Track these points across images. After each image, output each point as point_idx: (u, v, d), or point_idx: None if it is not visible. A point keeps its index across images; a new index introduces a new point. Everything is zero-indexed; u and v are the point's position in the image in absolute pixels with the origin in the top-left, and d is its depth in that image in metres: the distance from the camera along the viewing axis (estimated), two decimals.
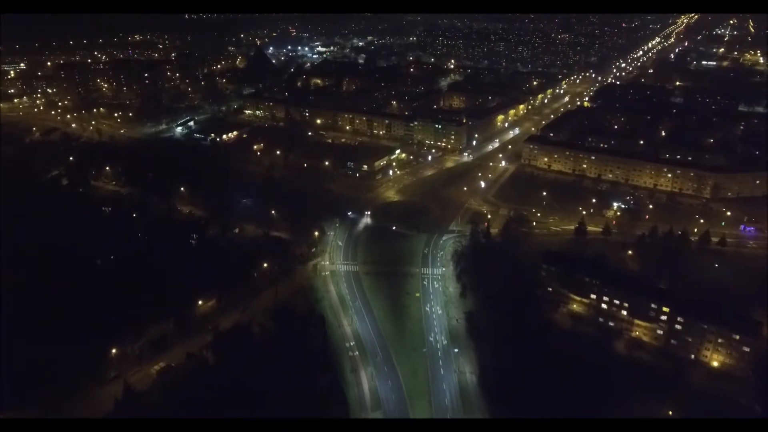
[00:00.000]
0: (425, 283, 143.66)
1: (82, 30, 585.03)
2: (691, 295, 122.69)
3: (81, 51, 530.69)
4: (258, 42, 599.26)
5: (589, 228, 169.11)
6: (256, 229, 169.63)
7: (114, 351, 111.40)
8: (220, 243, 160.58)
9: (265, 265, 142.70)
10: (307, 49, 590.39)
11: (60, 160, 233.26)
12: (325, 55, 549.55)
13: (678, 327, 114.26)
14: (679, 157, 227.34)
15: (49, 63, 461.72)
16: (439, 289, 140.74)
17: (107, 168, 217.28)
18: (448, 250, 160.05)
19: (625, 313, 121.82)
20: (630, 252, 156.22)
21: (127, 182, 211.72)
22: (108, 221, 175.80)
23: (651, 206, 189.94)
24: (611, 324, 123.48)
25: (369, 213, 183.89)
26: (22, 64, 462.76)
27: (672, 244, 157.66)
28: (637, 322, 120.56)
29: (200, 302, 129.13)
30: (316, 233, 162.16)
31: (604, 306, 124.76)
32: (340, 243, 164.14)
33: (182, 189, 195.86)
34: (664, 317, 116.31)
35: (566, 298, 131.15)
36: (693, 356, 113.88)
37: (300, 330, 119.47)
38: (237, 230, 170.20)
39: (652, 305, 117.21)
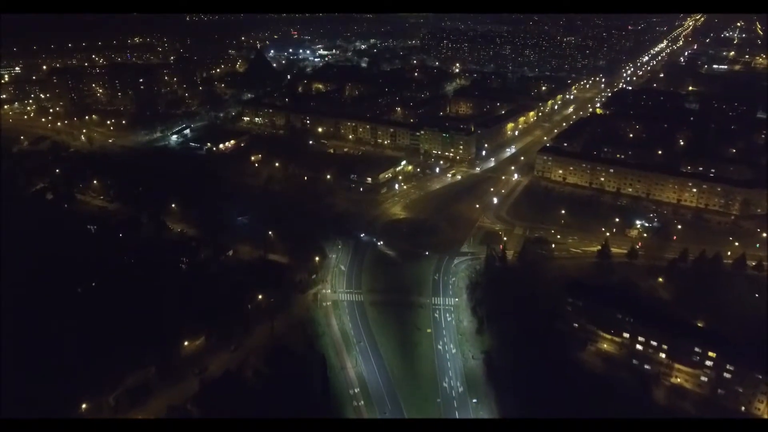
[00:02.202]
0: (437, 315, 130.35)
1: (81, 32, 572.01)
2: (734, 332, 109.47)
3: (79, 54, 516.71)
4: (259, 45, 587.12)
5: (613, 249, 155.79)
6: (252, 251, 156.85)
7: (84, 406, 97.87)
8: (211, 268, 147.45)
9: (260, 297, 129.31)
10: (308, 52, 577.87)
11: (47, 171, 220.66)
12: (327, 59, 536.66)
13: (727, 375, 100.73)
14: (701, 169, 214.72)
15: (44, 67, 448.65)
16: (452, 323, 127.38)
17: (95, 181, 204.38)
18: (460, 276, 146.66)
19: (663, 355, 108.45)
20: (660, 279, 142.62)
21: (115, 197, 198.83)
22: (92, 241, 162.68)
23: (678, 225, 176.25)
24: (647, 367, 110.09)
25: (374, 232, 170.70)
26: (17, 68, 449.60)
27: (705, 269, 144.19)
28: (677, 366, 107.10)
29: (186, 343, 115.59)
30: (317, 258, 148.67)
31: (639, 347, 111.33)
32: (342, 267, 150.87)
33: (173, 205, 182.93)
34: (709, 362, 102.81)
35: (594, 335, 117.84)
36: (744, 408, 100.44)
37: (298, 374, 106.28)
38: (231, 253, 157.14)
39: (696, 349, 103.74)
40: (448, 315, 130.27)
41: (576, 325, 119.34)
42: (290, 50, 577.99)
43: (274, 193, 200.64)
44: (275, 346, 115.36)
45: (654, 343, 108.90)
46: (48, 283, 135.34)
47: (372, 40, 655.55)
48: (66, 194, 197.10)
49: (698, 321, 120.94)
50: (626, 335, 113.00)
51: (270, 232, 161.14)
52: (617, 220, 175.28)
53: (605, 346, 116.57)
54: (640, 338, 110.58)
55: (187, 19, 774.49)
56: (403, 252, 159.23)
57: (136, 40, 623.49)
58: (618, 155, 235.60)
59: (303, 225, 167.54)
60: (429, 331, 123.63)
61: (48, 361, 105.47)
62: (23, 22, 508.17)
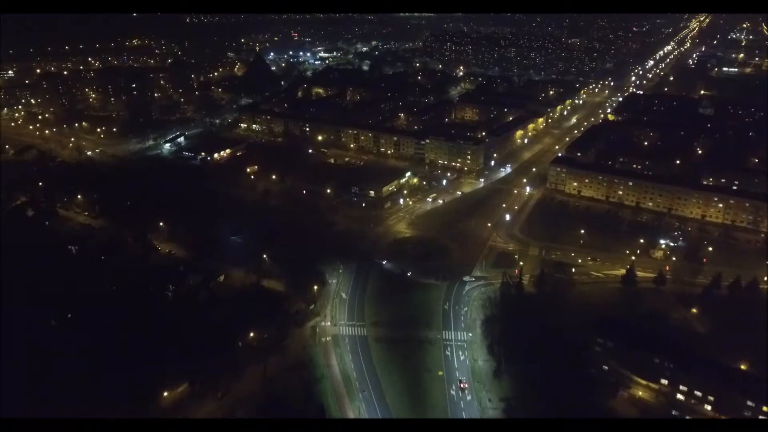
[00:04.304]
0: (448, 353, 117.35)
1: (78, 34, 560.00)
2: None
3: (75, 57, 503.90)
4: (258, 47, 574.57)
5: (637, 272, 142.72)
6: (245, 276, 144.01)
7: None
8: (200, 296, 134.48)
9: (252, 334, 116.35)
10: (309, 54, 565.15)
11: (30, 184, 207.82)
12: (327, 62, 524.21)
13: None
14: (724, 181, 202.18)
15: (38, 70, 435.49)
16: (465, 363, 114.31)
17: (79, 196, 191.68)
18: (473, 305, 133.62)
19: (708, 407, 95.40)
20: (694, 310, 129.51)
21: (101, 212, 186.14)
22: (72, 265, 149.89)
23: (706, 244, 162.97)
24: (689, 419, 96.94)
25: (377, 254, 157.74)
26: (10, 71, 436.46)
27: (742, 298, 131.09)
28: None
29: (166, 394, 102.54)
30: (315, 287, 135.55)
31: (679, 396, 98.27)
32: (344, 295, 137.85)
33: (161, 224, 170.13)
34: (764, 418, 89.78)
35: (627, 380, 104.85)
36: None
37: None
38: (222, 278, 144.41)
39: (748, 402, 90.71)
40: (461, 353, 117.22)
41: (606, 367, 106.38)
42: (290, 53, 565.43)
43: (271, 208, 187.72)
44: (267, 394, 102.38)
45: (698, 393, 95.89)
46: (19, 314, 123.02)
47: (374, 42, 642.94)
48: (47, 210, 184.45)
49: (741, 362, 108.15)
50: (664, 382, 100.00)
51: (264, 256, 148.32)
52: (641, 240, 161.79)
53: (640, 393, 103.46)
54: (682, 387, 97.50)
55: (187, 20, 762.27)
56: (410, 277, 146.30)
57: (134, 42, 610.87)
58: (635, 165, 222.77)
59: (301, 246, 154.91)
60: (441, 373, 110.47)
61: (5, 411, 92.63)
62: (20, 24, 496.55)
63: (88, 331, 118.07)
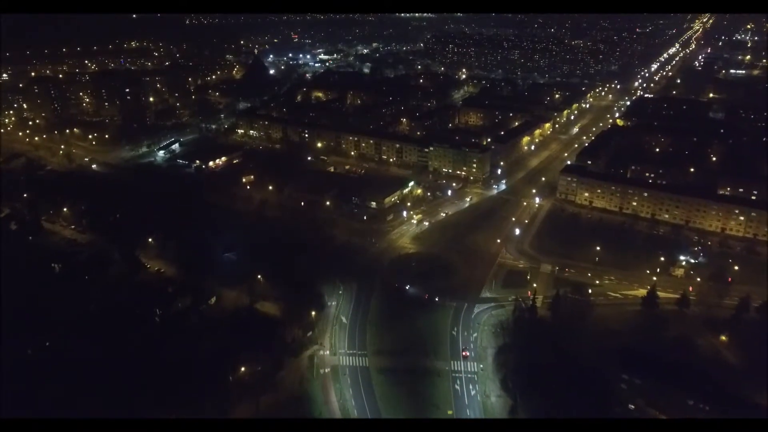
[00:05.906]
0: (458, 386, 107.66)
1: (77, 36, 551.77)
2: None
3: (71, 60, 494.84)
4: (257, 49, 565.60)
5: (658, 291, 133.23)
6: (238, 297, 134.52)
7: None
8: (189, 321, 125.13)
9: (243, 369, 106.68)
10: (309, 56, 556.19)
11: (16, 195, 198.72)
12: (327, 64, 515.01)
13: None
14: (741, 190, 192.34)
15: (33, 74, 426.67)
16: (476, 399, 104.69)
17: (65, 208, 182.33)
18: (483, 331, 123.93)
19: None
20: (723, 337, 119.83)
21: (89, 226, 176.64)
22: (55, 285, 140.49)
23: (731, 261, 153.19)
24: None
25: (380, 272, 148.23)
26: (4, 75, 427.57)
27: None
28: None
29: None
30: (313, 312, 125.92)
31: None
32: (344, 319, 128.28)
33: (150, 240, 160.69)
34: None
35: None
36: None
37: None
38: (213, 300, 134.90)
39: None
40: (471, 387, 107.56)
41: (632, 406, 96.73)
42: (290, 55, 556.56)
43: (267, 221, 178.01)
44: None
45: None
46: None
47: (374, 44, 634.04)
48: (32, 224, 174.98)
49: None
50: None
51: (259, 276, 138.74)
52: (662, 258, 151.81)
53: None
54: None
55: (186, 22, 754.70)
56: (415, 298, 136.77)
57: (133, 44, 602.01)
58: (648, 174, 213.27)
59: (298, 264, 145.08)
60: (450, 413, 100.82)
61: None
62: (18, 26, 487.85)
63: (65, 361, 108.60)
